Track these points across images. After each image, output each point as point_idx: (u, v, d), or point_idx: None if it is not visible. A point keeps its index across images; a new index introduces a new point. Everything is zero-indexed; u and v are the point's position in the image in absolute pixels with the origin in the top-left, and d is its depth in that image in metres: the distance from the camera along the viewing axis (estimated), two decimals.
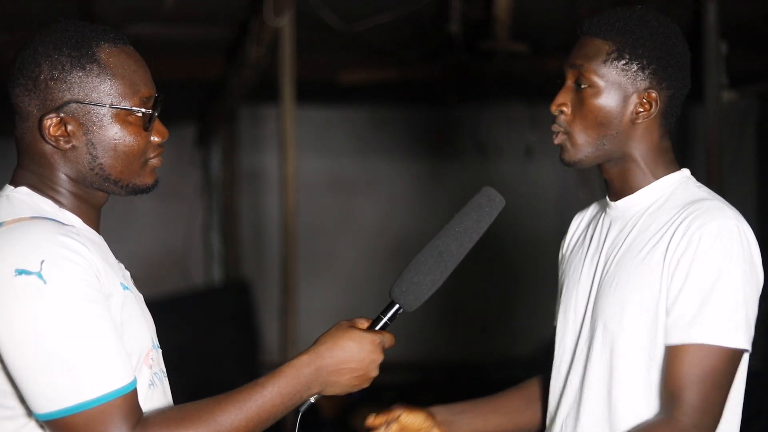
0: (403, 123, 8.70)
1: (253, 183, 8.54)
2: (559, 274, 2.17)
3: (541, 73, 6.27)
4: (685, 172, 1.97)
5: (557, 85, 1.97)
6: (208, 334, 7.43)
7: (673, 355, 1.80)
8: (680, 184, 1.95)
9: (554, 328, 2.10)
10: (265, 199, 8.47)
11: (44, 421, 1.55)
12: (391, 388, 6.62)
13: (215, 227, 8.64)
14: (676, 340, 1.80)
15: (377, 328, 1.76)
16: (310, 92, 6.45)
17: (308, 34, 5.45)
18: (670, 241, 1.84)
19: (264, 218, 8.50)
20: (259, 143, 8.49)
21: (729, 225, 1.82)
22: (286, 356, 4.92)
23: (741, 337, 1.79)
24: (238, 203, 8.45)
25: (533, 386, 2.20)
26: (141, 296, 1.76)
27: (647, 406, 1.86)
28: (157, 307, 2.05)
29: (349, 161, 8.72)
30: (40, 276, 1.53)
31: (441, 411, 2.09)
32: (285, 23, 4.80)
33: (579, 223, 2.16)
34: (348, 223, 8.71)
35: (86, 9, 5.18)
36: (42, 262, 1.54)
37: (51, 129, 1.66)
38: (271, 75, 5.34)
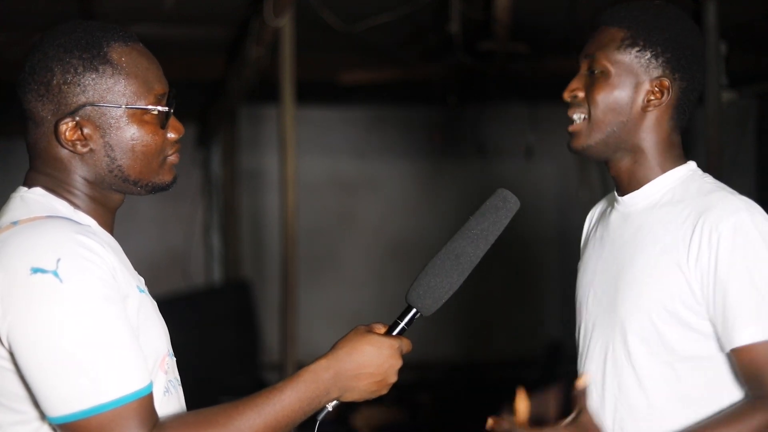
0: (403, 123, 8.70)
1: (253, 183, 8.54)
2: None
3: (541, 73, 6.28)
4: (692, 165, 1.98)
5: (560, 84, 1.98)
6: (208, 334, 7.42)
7: (739, 357, 1.81)
8: (687, 177, 1.95)
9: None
10: (265, 199, 8.47)
11: (58, 425, 1.51)
12: (391, 387, 6.60)
13: (215, 227, 8.63)
14: (736, 343, 1.80)
15: (395, 333, 1.73)
16: (310, 92, 6.45)
17: (308, 34, 5.45)
18: (689, 242, 1.84)
19: (264, 218, 8.49)
20: (259, 143, 8.49)
21: (742, 218, 1.82)
22: (286, 356, 4.92)
23: None
24: (238, 203, 8.44)
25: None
26: (155, 302, 1.72)
27: (666, 401, 1.88)
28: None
29: (349, 161, 8.72)
30: (56, 274, 1.49)
31: None
32: (285, 23, 4.80)
33: (592, 218, 2.16)
34: (348, 223, 8.71)
35: (86, 9, 5.18)
36: (58, 260, 1.50)
37: (67, 134, 1.62)
38: (271, 75, 5.34)
